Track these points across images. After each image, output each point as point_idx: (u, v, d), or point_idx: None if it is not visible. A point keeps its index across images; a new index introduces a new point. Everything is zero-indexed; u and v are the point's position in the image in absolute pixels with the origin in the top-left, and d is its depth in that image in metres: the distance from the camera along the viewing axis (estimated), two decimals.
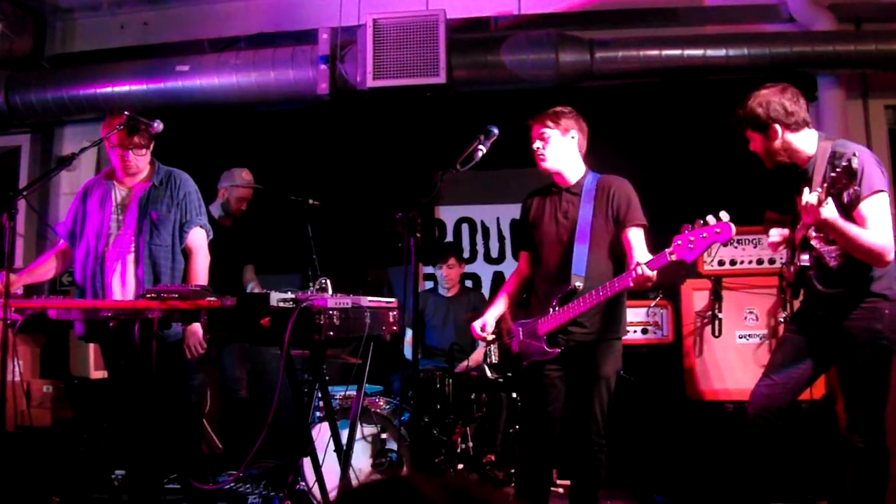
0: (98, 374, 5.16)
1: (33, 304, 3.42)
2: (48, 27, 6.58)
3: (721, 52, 5.25)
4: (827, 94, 5.44)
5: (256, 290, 5.08)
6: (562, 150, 3.48)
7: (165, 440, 3.64)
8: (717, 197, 5.24)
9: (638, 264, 3.08)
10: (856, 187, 2.85)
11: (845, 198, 2.92)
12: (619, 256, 3.40)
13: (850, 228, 2.90)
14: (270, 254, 5.54)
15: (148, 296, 3.22)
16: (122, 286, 3.70)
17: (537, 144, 3.48)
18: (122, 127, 3.65)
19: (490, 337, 3.67)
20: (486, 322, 3.64)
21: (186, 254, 3.84)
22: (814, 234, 3.09)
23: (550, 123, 3.47)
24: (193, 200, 3.89)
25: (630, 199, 3.42)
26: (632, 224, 3.38)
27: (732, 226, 2.89)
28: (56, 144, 6.65)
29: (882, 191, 2.98)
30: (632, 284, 3.13)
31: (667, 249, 3.02)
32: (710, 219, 2.91)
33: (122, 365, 3.67)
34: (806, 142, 3.19)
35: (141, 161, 3.79)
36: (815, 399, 4.41)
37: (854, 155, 2.72)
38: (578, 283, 3.30)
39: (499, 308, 3.71)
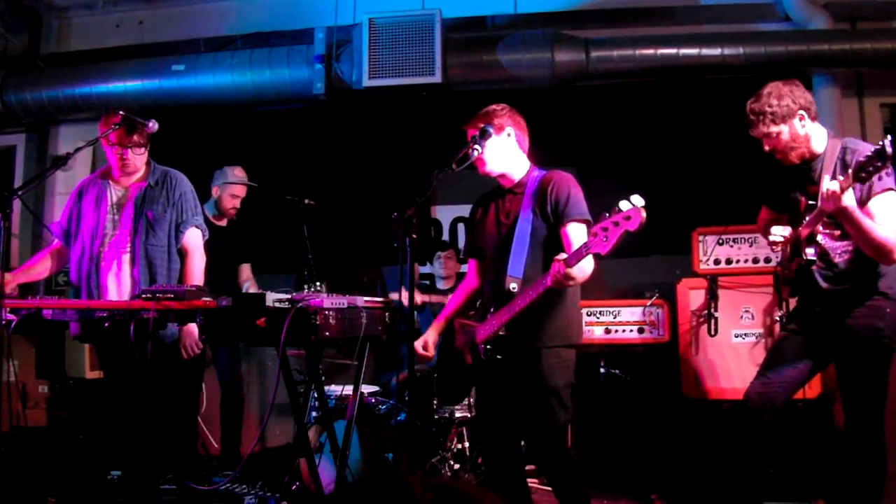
0: (93, 374, 5.14)
1: (28, 304, 3.41)
2: (43, 26, 6.58)
3: (717, 52, 5.26)
4: (822, 92, 5.44)
5: (252, 290, 5.08)
6: (499, 150, 3.28)
7: (161, 441, 3.63)
8: (713, 196, 5.32)
9: (556, 261, 2.84)
10: (888, 170, 2.77)
11: (875, 180, 2.90)
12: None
13: (866, 220, 2.90)
14: (266, 253, 5.54)
15: (143, 296, 3.21)
16: (118, 286, 3.69)
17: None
18: (120, 125, 3.64)
19: (432, 354, 3.48)
20: (428, 340, 3.47)
21: (182, 254, 3.84)
22: (821, 229, 3.09)
23: (482, 125, 3.27)
24: (189, 200, 3.89)
25: (570, 192, 3.16)
26: (570, 219, 3.12)
27: (642, 211, 2.61)
28: (51, 144, 6.64)
29: (892, 189, 2.98)
30: (550, 284, 2.88)
31: (584, 242, 2.78)
32: (623, 204, 2.65)
33: (117, 365, 3.66)
34: (819, 134, 3.19)
35: (139, 160, 3.79)
36: (811, 398, 4.42)
37: (887, 138, 2.67)
38: (513, 286, 3.10)
39: (443, 323, 3.51)
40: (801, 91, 3.16)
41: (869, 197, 2.97)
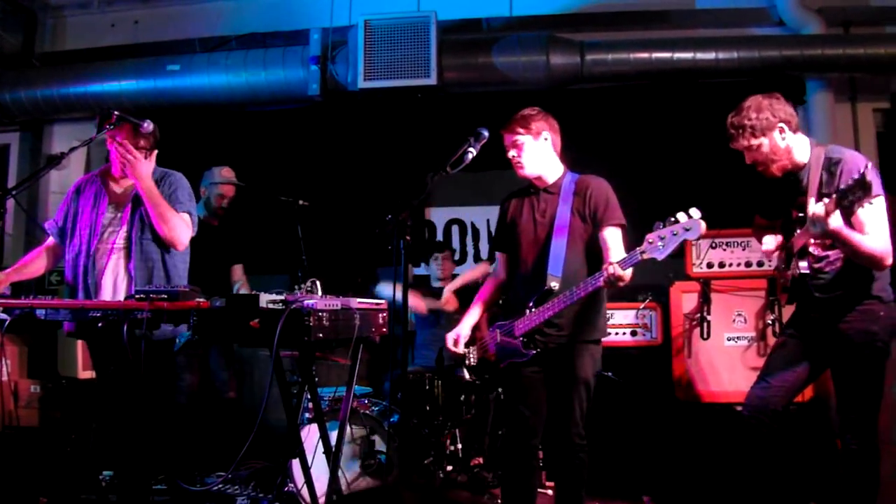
0: (86, 374, 5.13)
1: (21, 303, 3.40)
2: (39, 24, 6.57)
3: (711, 56, 5.28)
4: (816, 97, 5.47)
5: (243, 291, 5.07)
6: (537, 154, 3.43)
7: (153, 441, 3.63)
8: (707, 200, 5.29)
9: (610, 264, 3.04)
10: (870, 200, 2.77)
11: (855, 209, 2.92)
12: (596, 256, 3.34)
13: (854, 236, 2.92)
14: (258, 254, 5.52)
15: (137, 296, 3.21)
16: (114, 283, 3.69)
17: (512, 153, 3.43)
18: (113, 126, 3.64)
19: (463, 350, 3.62)
20: (461, 334, 3.60)
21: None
22: (812, 241, 3.10)
23: (521, 130, 3.40)
24: (183, 195, 3.84)
25: (608, 198, 3.36)
26: (609, 224, 3.32)
27: (702, 223, 2.85)
28: (46, 143, 6.63)
29: (878, 195, 3.00)
30: (602, 284, 3.08)
31: (638, 248, 2.98)
32: (681, 216, 2.88)
33: (110, 365, 3.66)
34: (802, 146, 3.22)
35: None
36: (804, 401, 4.44)
37: (867, 167, 2.70)
38: (554, 284, 3.26)
39: (474, 316, 3.66)
40: (782, 104, 3.19)
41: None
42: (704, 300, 4.78)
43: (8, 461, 4.41)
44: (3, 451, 4.42)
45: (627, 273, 3.04)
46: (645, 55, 5.35)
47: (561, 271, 3.28)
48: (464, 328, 3.62)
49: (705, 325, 4.75)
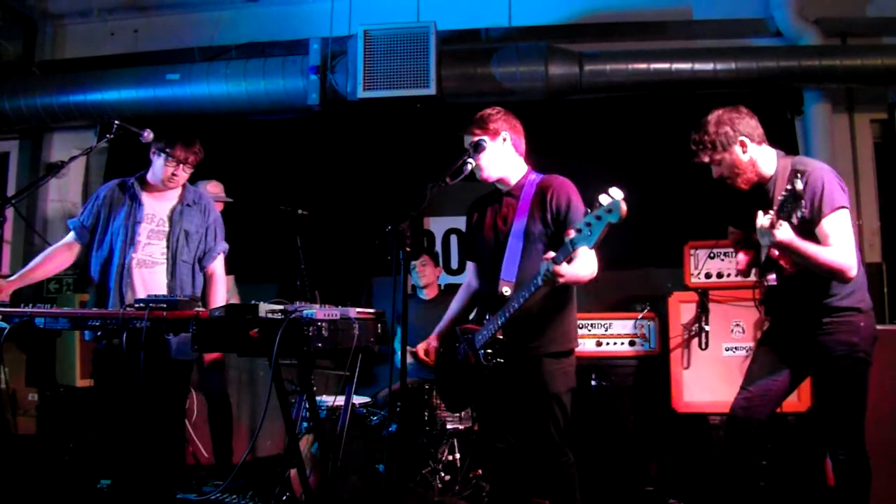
0: (84, 382, 5.13)
1: (21, 312, 3.40)
2: (38, 33, 6.58)
3: (709, 66, 5.30)
4: (813, 108, 5.50)
5: (232, 301, 5.08)
6: (496, 155, 3.28)
7: (151, 450, 3.63)
8: (706, 211, 5.33)
9: (545, 259, 2.86)
10: (803, 210, 2.83)
11: (794, 220, 2.93)
12: None
13: (808, 247, 2.92)
14: (248, 263, 5.51)
15: (136, 305, 3.22)
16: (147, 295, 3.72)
17: None
18: (111, 135, 3.70)
19: (433, 360, 3.48)
20: (430, 345, 3.48)
21: (209, 278, 4.03)
22: (777, 252, 3.11)
23: (478, 131, 3.27)
24: (221, 226, 4.09)
25: (570, 199, 3.17)
26: (572, 228, 3.05)
27: (623, 203, 2.63)
28: (45, 151, 6.62)
29: (843, 207, 3.00)
30: (542, 283, 2.89)
31: (567, 239, 2.80)
32: (603, 198, 2.67)
33: (110, 374, 3.67)
34: (767, 158, 3.24)
35: (184, 178, 3.92)
36: (802, 411, 4.45)
37: (797, 177, 2.74)
38: (506, 289, 3.12)
39: (446, 328, 3.52)
40: (744, 118, 3.21)
41: (820, 217, 2.99)
42: (702, 310, 4.79)
43: (5, 469, 4.41)
44: (1, 458, 4.41)
45: (576, 268, 2.90)
46: (643, 66, 5.37)
47: (515, 276, 3.14)
48: (432, 340, 3.50)
49: (703, 335, 4.76)
